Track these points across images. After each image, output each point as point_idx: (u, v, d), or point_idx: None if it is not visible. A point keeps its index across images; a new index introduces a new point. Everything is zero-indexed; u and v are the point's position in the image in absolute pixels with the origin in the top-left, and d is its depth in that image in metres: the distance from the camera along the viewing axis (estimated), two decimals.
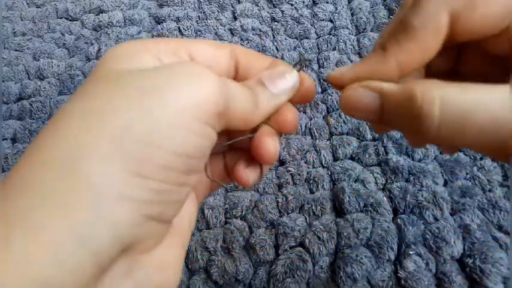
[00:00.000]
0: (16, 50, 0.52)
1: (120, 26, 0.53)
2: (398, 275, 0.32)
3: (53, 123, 0.14)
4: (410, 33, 0.15)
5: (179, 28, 0.52)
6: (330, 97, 0.43)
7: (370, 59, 0.17)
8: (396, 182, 0.37)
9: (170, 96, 0.14)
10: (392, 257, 0.33)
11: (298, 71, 0.19)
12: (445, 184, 0.36)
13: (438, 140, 0.14)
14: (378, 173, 0.38)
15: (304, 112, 0.43)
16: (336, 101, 0.43)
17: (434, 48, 0.15)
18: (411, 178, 0.37)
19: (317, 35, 0.50)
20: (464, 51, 0.18)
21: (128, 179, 0.13)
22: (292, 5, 0.53)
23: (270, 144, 0.17)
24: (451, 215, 0.34)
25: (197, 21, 0.53)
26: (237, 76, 0.19)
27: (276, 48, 0.49)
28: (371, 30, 0.50)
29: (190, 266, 0.34)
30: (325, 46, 0.48)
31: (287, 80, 0.18)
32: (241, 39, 0.50)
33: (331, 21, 0.51)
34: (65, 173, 0.12)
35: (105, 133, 0.13)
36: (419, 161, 0.38)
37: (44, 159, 0.13)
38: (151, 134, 0.13)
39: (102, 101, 0.14)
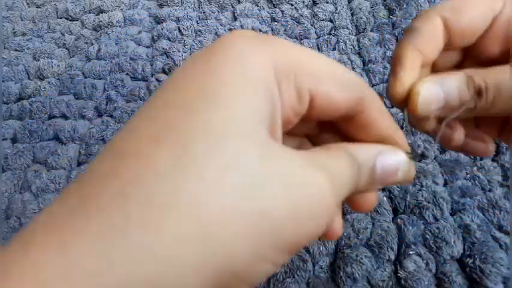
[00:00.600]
0: (16, 50, 0.52)
1: (120, 26, 0.53)
2: (398, 275, 0.32)
3: None
4: (415, 33, 0.18)
5: (179, 28, 0.52)
6: None
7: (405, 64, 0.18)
8: None
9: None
10: (392, 257, 0.33)
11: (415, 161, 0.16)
12: (445, 184, 0.36)
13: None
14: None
15: None
16: None
17: (436, 44, 0.18)
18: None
19: (317, 35, 0.50)
20: (465, 61, 0.20)
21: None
22: (292, 5, 0.53)
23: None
24: (451, 215, 0.34)
25: (197, 21, 0.53)
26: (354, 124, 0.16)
27: None
28: (371, 30, 0.50)
29: None
30: (325, 46, 0.48)
31: (398, 173, 0.16)
32: None
33: (331, 21, 0.51)
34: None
35: None
36: (420, 161, 0.38)
37: None
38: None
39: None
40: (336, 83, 0.14)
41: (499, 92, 0.16)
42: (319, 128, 0.18)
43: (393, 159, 0.16)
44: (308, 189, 0.12)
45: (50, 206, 0.12)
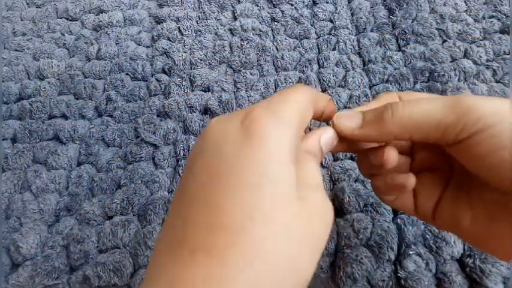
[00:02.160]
0: (16, 50, 0.52)
1: (120, 26, 0.53)
2: (398, 275, 0.32)
3: None
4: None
5: (179, 28, 0.52)
6: (330, 97, 0.43)
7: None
8: None
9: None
10: (392, 257, 0.33)
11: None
12: None
13: (401, 121, 0.20)
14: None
15: None
16: (336, 101, 0.43)
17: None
18: None
19: (317, 35, 0.50)
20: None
21: None
22: (292, 5, 0.53)
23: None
24: None
25: (197, 21, 0.53)
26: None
27: (276, 48, 0.49)
28: (371, 30, 0.50)
29: None
30: (325, 46, 0.48)
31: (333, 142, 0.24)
32: (241, 39, 0.50)
33: (331, 21, 0.51)
34: None
35: None
36: None
37: None
38: None
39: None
40: None
41: (410, 107, 0.20)
42: None
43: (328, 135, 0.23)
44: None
45: None
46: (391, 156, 0.23)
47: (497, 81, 0.43)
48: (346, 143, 0.24)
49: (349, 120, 0.22)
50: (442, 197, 0.24)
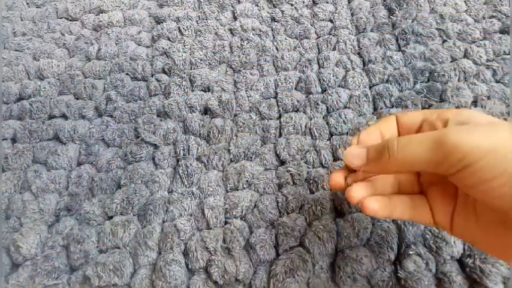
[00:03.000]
0: (16, 50, 0.52)
1: (120, 26, 0.53)
2: (399, 275, 0.32)
3: None
4: (384, 121, 0.28)
5: (179, 28, 0.52)
6: (330, 97, 0.43)
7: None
8: None
9: None
10: (392, 257, 0.33)
11: None
12: None
13: (397, 158, 0.23)
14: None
15: (304, 112, 0.43)
16: (336, 101, 0.43)
17: (395, 127, 0.28)
18: None
19: (317, 35, 0.50)
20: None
21: None
22: (292, 5, 0.53)
23: None
24: None
25: (197, 21, 0.53)
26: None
27: (276, 48, 0.49)
28: (371, 30, 0.49)
29: (190, 266, 0.34)
30: (325, 46, 0.48)
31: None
32: (241, 39, 0.50)
33: (331, 21, 0.51)
34: None
35: None
36: None
37: None
38: None
39: None
40: None
41: (403, 147, 0.22)
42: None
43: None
44: None
45: None
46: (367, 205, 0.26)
47: (497, 81, 0.43)
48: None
49: (356, 159, 0.25)
50: (455, 210, 0.25)
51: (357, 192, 0.26)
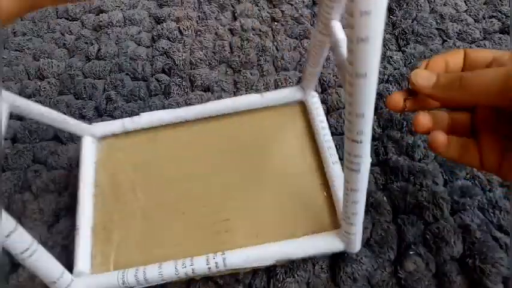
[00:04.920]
0: (16, 50, 0.52)
1: (120, 26, 0.53)
2: (399, 275, 0.32)
3: None
4: (451, 53, 0.29)
5: (179, 28, 0.52)
6: (329, 97, 0.43)
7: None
8: (396, 182, 0.37)
9: None
10: (392, 257, 0.33)
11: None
12: (445, 184, 0.36)
13: (468, 86, 0.24)
14: (377, 173, 0.38)
15: None
16: (336, 101, 0.43)
17: (461, 61, 0.28)
18: (411, 178, 0.37)
19: None
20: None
21: None
22: (292, 5, 0.53)
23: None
24: (451, 215, 0.34)
25: (197, 21, 0.53)
26: None
27: (276, 48, 0.49)
28: None
29: None
30: None
31: None
32: (241, 39, 0.50)
33: None
34: None
35: None
36: (419, 161, 0.38)
37: None
38: None
39: None
40: None
41: (473, 78, 0.23)
42: None
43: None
44: None
45: None
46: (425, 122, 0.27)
47: None
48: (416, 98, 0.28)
49: (424, 80, 0.26)
50: (507, 153, 0.26)
51: (426, 119, 0.27)
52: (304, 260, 0.33)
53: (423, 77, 0.26)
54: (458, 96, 0.24)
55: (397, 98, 0.27)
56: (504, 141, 0.26)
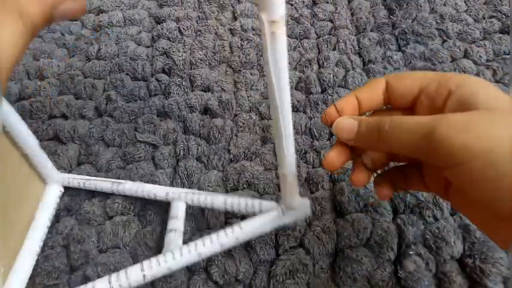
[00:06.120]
0: None
1: (120, 26, 0.53)
2: (399, 275, 0.32)
3: None
4: (367, 86, 0.26)
5: (179, 28, 0.52)
6: (330, 97, 0.43)
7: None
8: None
9: None
10: (392, 257, 0.33)
11: None
12: None
13: (386, 140, 0.22)
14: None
15: (304, 112, 0.43)
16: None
17: (379, 96, 0.26)
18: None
19: (317, 35, 0.50)
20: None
21: None
22: (292, 5, 0.53)
23: None
24: (451, 215, 0.34)
25: (197, 21, 0.53)
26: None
27: None
28: (371, 30, 0.50)
29: (190, 266, 0.34)
30: (325, 46, 0.48)
31: None
32: (241, 39, 0.50)
33: (331, 21, 0.51)
34: None
35: None
36: None
37: None
38: None
39: None
40: None
41: (392, 130, 0.21)
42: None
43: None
44: None
45: None
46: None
47: (497, 81, 0.43)
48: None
49: (346, 133, 0.24)
50: (450, 187, 0.23)
51: (361, 176, 0.26)
52: (304, 260, 0.33)
53: (345, 128, 0.24)
54: (379, 147, 0.23)
55: (332, 159, 0.25)
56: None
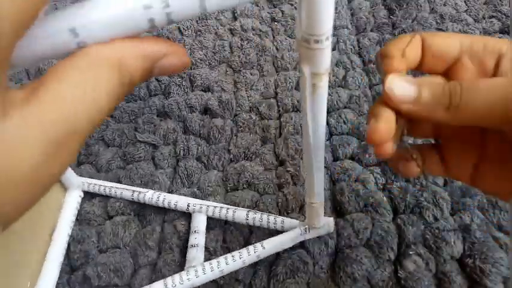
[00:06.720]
0: None
1: None
2: (399, 275, 0.32)
3: None
4: (403, 39, 0.21)
5: (179, 28, 0.52)
6: (329, 97, 0.43)
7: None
8: (396, 182, 0.37)
9: None
10: (392, 257, 0.33)
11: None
12: (445, 184, 0.36)
13: (462, 109, 0.18)
14: (377, 173, 0.38)
15: None
16: (336, 101, 0.43)
17: (417, 53, 0.20)
18: (411, 178, 0.37)
19: None
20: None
21: None
22: (292, 5, 0.53)
23: None
24: (451, 215, 0.34)
25: (197, 21, 0.53)
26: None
27: (276, 48, 0.49)
28: (371, 30, 0.49)
29: None
30: None
31: None
32: (241, 39, 0.50)
33: None
34: None
35: None
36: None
37: None
38: None
39: None
40: None
41: (469, 96, 0.17)
42: None
43: None
44: None
45: None
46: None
47: None
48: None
49: (402, 97, 0.19)
50: (481, 163, 0.21)
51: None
52: (305, 260, 0.33)
53: (400, 93, 0.19)
54: (446, 118, 0.18)
55: (383, 131, 0.20)
56: (477, 151, 0.21)
